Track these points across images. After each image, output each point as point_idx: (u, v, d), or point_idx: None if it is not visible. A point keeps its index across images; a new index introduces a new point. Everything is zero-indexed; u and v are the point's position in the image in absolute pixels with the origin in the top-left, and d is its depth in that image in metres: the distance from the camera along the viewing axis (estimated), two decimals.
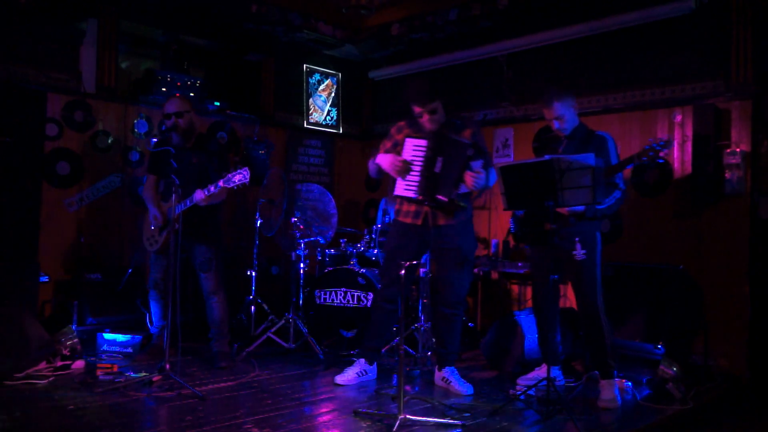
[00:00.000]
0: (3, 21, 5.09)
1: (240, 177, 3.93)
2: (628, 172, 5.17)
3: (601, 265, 3.84)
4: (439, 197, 3.79)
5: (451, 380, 4.01)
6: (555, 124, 3.92)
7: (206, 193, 4.07)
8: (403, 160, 3.89)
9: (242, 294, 5.57)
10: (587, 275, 3.78)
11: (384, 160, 3.97)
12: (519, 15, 5.77)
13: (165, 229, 4.36)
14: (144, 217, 4.61)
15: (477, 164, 3.80)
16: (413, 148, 3.91)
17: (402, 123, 4.14)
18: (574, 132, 3.93)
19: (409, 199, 3.96)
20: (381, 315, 4.14)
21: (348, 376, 4.13)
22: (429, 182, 3.82)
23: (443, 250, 3.99)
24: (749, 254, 4.65)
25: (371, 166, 4.11)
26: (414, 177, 3.88)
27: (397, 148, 4.03)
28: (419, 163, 3.87)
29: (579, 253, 3.62)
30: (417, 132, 3.99)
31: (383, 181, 6.40)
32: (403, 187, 3.91)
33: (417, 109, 3.91)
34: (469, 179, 3.77)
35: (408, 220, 4.03)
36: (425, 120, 3.92)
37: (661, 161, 4.66)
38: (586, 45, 5.58)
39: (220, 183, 3.99)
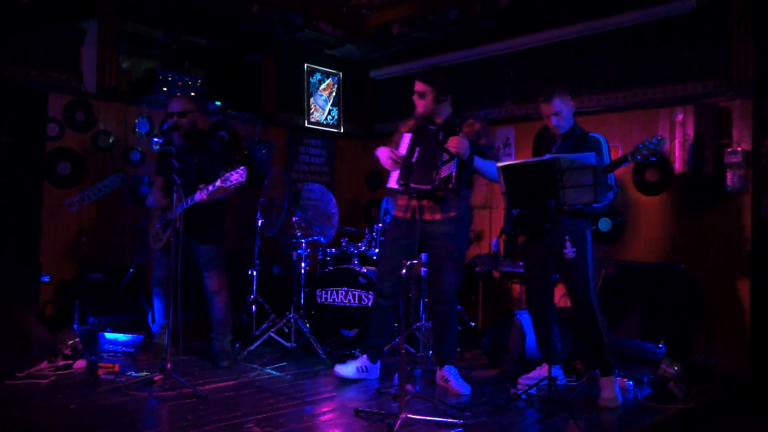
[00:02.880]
0: (4, 21, 5.10)
1: (237, 176, 3.91)
2: (628, 171, 5.17)
3: (593, 262, 3.84)
4: (414, 185, 3.86)
5: (450, 379, 4.01)
6: (553, 120, 3.92)
7: (205, 193, 4.06)
8: (397, 153, 3.97)
9: (243, 293, 5.57)
10: (578, 273, 3.78)
11: (381, 153, 4.05)
12: (520, 14, 5.77)
13: (168, 228, 4.36)
14: (148, 216, 4.61)
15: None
16: (407, 142, 3.99)
17: (410, 117, 4.19)
18: (569, 132, 3.94)
19: (397, 191, 4.04)
20: (376, 311, 4.18)
21: (348, 368, 4.14)
22: (405, 171, 3.91)
23: (431, 246, 4.03)
24: (750, 253, 4.64)
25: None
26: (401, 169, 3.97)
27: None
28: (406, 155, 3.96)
29: (569, 251, 3.63)
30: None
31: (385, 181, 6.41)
32: (394, 180, 3.99)
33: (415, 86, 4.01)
34: (452, 144, 3.78)
35: (400, 214, 4.10)
36: (415, 100, 4.00)
37: (654, 159, 4.66)
38: (587, 44, 5.58)
39: (218, 182, 3.97)
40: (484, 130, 4.05)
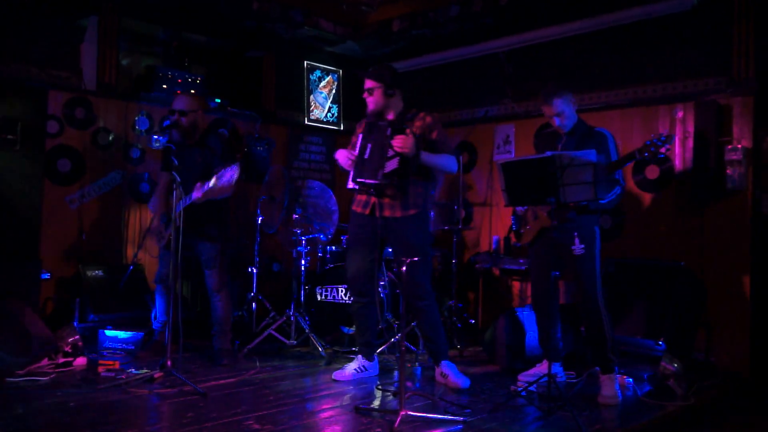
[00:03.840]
0: (4, 18, 5.09)
1: (230, 173, 3.89)
2: (628, 169, 5.17)
3: (600, 259, 3.84)
4: (362, 180, 3.88)
5: (449, 374, 4.01)
6: (556, 121, 3.91)
7: (200, 192, 4.05)
8: (355, 154, 3.98)
9: (244, 291, 5.58)
10: (586, 270, 3.78)
11: (340, 155, 4.05)
12: (520, 11, 5.76)
13: (170, 225, 4.35)
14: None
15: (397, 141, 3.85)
16: (360, 141, 4.01)
17: (364, 118, 4.19)
18: (573, 128, 3.93)
19: (355, 190, 4.06)
20: (357, 310, 4.18)
21: (345, 372, 4.15)
22: (359, 168, 3.93)
23: (395, 244, 4.03)
24: (751, 250, 4.64)
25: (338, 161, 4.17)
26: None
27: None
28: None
29: (577, 248, 3.62)
30: None
31: None
32: (351, 179, 4.00)
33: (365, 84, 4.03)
34: (396, 143, 3.79)
35: (359, 209, 4.09)
36: (365, 98, 4.02)
37: (661, 156, 4.66)
38: (587, 41, 5.57)
39: (212, 180, 3.97)
40: (436, 124, 4.02)
